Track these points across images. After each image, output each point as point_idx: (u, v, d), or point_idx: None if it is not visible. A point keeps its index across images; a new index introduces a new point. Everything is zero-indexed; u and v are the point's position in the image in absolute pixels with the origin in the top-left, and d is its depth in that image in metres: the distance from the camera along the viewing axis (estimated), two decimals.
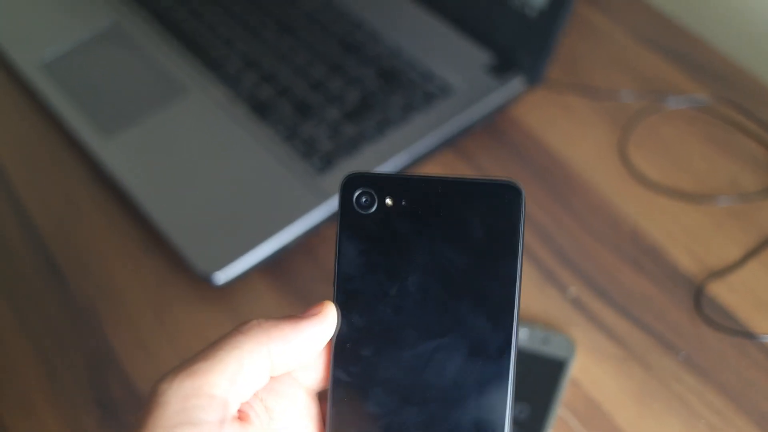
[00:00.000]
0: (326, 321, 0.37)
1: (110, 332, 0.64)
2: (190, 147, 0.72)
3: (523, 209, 0.36)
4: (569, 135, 0.73)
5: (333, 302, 0.37)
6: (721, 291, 0.63)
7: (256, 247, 0.64)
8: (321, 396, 0.39)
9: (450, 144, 0.72)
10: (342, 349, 0.37)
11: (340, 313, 0.37)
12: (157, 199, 0.68)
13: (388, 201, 0.37)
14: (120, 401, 0.60)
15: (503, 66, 0.75)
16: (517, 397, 0.41)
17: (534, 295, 0.63)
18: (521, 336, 0.59)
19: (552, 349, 0.59)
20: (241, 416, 0.35)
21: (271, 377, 0.36)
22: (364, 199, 0.37)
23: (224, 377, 0.34)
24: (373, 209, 0.37)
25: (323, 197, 0.67)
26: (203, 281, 0.64)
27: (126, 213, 0.70)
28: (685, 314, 0.62)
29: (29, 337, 0.64)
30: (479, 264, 0.36)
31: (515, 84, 0.74)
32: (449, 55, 0.76)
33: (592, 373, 0.59)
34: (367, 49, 0.77)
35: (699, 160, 0.71)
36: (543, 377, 0.58)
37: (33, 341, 0.64)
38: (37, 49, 0.81)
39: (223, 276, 0.63)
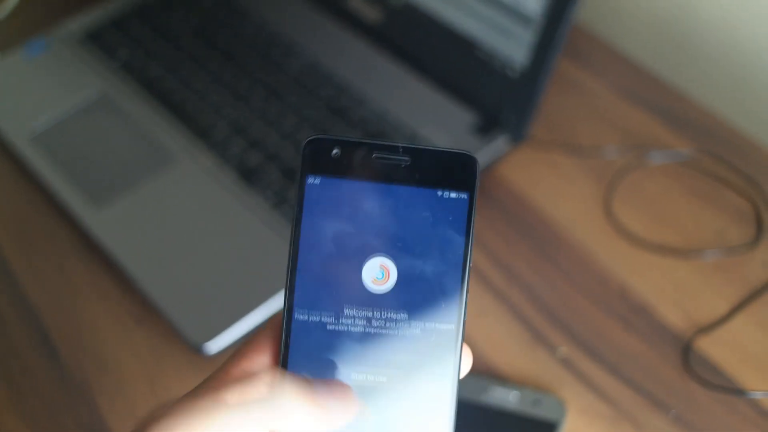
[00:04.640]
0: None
1: (104, 405, 0.64)
2: (180, 216, 0.73)
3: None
4: (554, 193, 0.74)
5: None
6: (709, 347, 0.63)
7: (247, 315, 0.65)
8: None
9: None
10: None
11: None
12: (148, 269, 0.69)
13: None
14: None
15: (487, 126, 0.76)
16: None
17: (524, 355, 0.64)
18: (512, 399, 0.60)
19: (543, 411, 0.59)
20: None
21: None
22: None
23: None
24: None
25: None
26: (195, 351, 0.64)
27: (118, 284, 0.70)
28: (674, 371, 0.62)
29: (23, 413, 0.64)
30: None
31: (500, 143, 0.75)
32: (434, 116, 0.77)
33: None
34: (353, 113, 0.78)
35: (684, 215, 0.71)
36: None
37: (27, 418, 0.64)
38: (26, 121, 0.82)
39: (214, 346, 0.64)
